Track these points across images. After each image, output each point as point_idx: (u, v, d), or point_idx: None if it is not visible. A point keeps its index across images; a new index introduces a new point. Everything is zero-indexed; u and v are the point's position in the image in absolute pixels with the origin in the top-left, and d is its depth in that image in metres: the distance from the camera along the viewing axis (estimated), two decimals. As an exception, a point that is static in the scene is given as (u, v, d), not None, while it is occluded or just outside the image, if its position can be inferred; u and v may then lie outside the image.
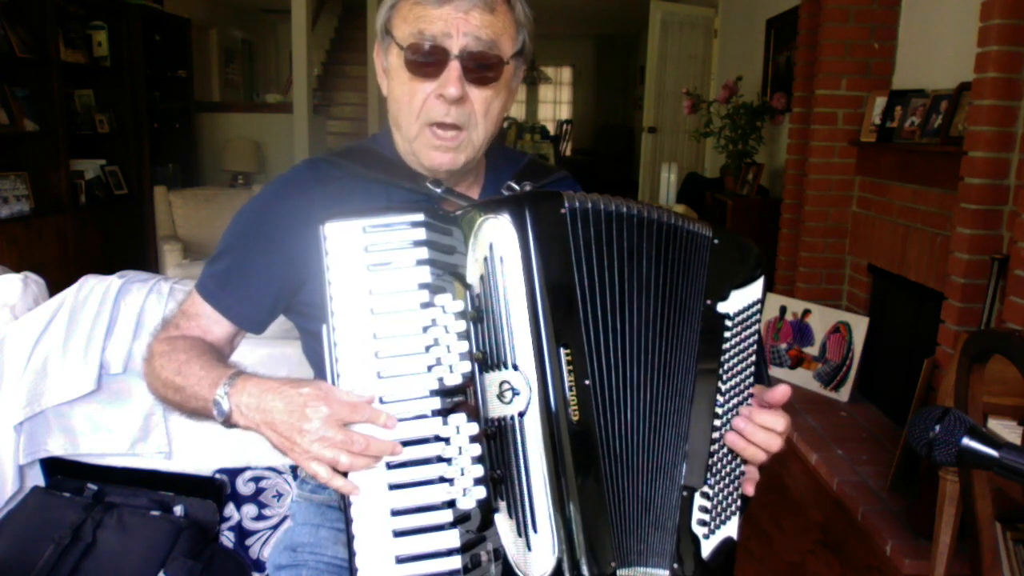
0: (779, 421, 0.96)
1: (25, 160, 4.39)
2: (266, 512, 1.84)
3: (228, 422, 0.94)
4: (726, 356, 0.96)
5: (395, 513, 0.86)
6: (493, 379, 0.87)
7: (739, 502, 0.97)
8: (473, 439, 0.87)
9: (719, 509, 0.96)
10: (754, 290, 0.98)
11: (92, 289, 1.87)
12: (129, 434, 1.85)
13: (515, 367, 0.86)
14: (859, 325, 3.55)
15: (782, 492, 2.94)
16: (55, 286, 1.95)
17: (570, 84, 14.24)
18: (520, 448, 0.86)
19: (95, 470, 1.87)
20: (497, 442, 0.87)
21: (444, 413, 0.87)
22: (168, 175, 5.77)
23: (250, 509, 1.84)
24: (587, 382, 0.87)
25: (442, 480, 0.87)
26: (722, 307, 0.97)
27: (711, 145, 5.69)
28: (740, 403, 0.97)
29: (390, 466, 0.87)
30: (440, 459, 0.87)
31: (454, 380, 0.87)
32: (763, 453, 0.95)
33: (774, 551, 2.51)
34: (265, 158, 6.32)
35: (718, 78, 6.54)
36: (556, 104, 14.40)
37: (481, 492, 0.87)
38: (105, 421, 1.85)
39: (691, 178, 6.11)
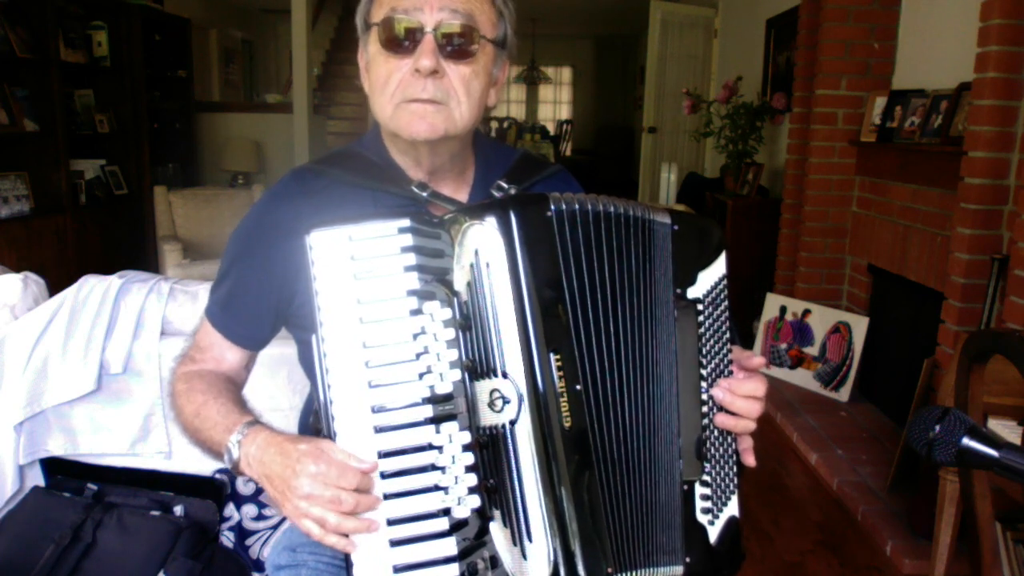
0: (759, 387, 0.96)
1: (25, 160, 4.39)
2: (266, 512, 1.84)
3: (236, 469, 0.95)
4: (703, 340, 0.96)
5: (391, 523, 0.86)
6: (484, 387, 0.86)
7: (736, 480, 0.98)
8: (466, 448, 0.87)
9: (719, 493, 0.96)
10: (719, 267, 0.98)
11: (92, 289, 1.87)
12: (129, 434, 1.85)
13: (504, 375, 0.85)
14: (859, 325, 3.55)
15: (782, 492, 2.94)
16: (55, 286, 1.95)
17: (570, 84, 14.23)
18: (512, 457, 0.85)
19: (95, 470, 1.87)
20: (489, 451, 0.87)
21: (436, 421, 0.87)
22: (168, 175, 5.77)
23: (250, 509, 1.84)
24: (578, 387, 0.86)
25: (436, 488, 0.87)
26: (692, 292, 0.96)
27: (711, 145, 5.69)
28: None
29: (384, 475, 0.87)
30: (434, 467, 0.87)
31: (445, 388, 0.87)
32: (751, 422, 0.96)
33: (774, 551, 2.51)
34: (265, 158, 6.32)
35: (718, 78, 6.54)
36: (556, 104, 14.39)
37: (476, 501, 0.87)
38: (105, 421, 1.85)
39: (691, 178, 6.11)
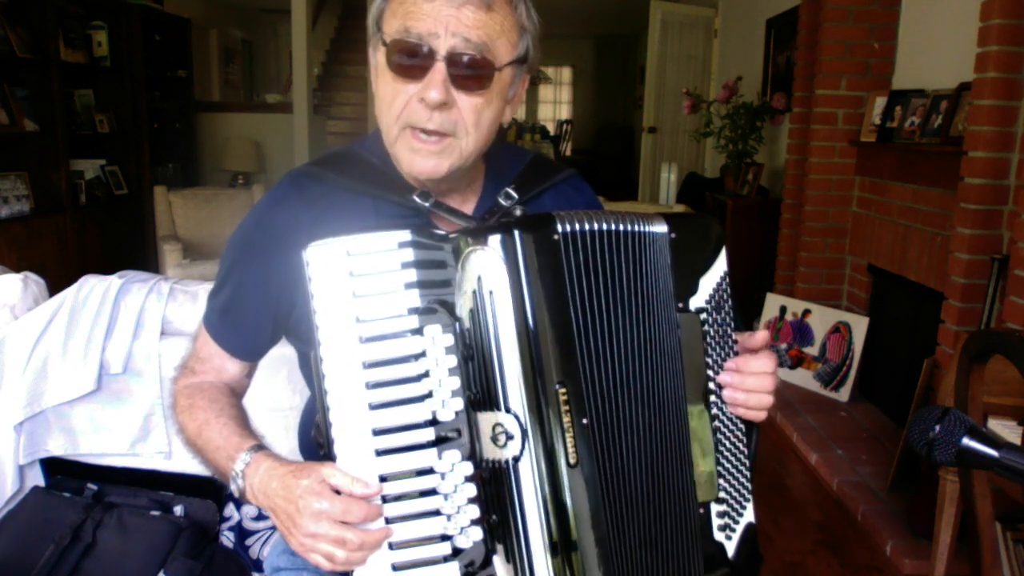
0: (768, 363, 0.94)
1: (25, 160, 4.39)
2: (266, 512, 1.84)
3: (244, 498, 0.94)
4: (710, 350, 0.92)
5: (393, 546, 0.85)
6: (486, 419, 0.83)
7: (750, 485, 0.95)
8: (468, 479, 0.84)
9: (734, 505, 0.94)
10: (719, 266, 0.94)
11: (92, 289, 1.87)
12: (129, 434, 1.85)
13: (507, 410, 0.82)
14: (859, 325, 3.55)
15: (782, 492, 2.94)
16: (55, 286, 1.95)
17: (570, 84, 14.23)
18: (515, 494, 0.82)
19: (95, 470, 1.87)
20: (492, 487, 0.84)
21: (438, 445, 0.84)
22: (168, 175, 5.78)
23: (250, 509, 1.84)
24: (585, 421, 0.83)
25: (439, 513, 0.85)
26: (695, 302, 0.92)
27: (711, 145, 5.69)
28: None
29: (386, 499, 0.85)
30: (436, 492, 0.85)
31: (446, 416, 0.84)
32: (766, 396, 0.93)
33: (774, 551, 2.51)
34: (265, 158, 6.33)
35: (718, 78, 6.54)
36: (556, 104, 14.39)
37: (478, 533, 0.85)
38: (105, 421, 1.85)
39: (691, 178, 6.11)
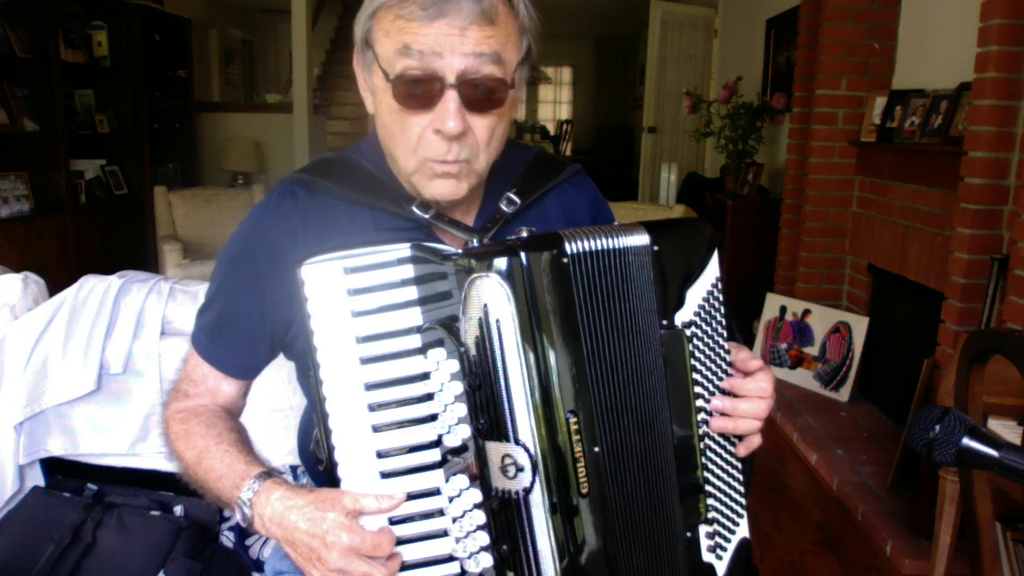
0: (765, 386, 0.90)
1: (25, 160, 4.39)
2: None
3: (251, 528, 0.90)
4: (700, 364, 0.89)
5: (403, 568, 0.84)
6: (495, 449, 0.81)
7: (743, 501, 0.93)
8: (477, 506, 0.83)
9: (725, 524, 0.92)
10: (709, 274, 0.89)
11: (92, 289, 1.87)
12: (129, 434, 1.85)
13: (517, 441, 0.80)
14: (859, 325, 3.55)
15: (782, 492, 2.94)
16: (55, 286, 1.95)
17: (570, 84, 14.24)
18: (527, 526, 0.82)
19: (95, 470, 1.87)
20: (502, 517, 0.82)
21: (444, 467, 0.83)
22: (168, 175, 5.78)
23: (250, 509, 1.83)
24: (596, 449, 0.82)
25: (446, 534, 0.84)
26: (683, 316, 0.87)
27: (711, 145, 5.69)
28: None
29: (392, 521, 0.84)
30: (443, 513, 0.84)
31: (453, 442, 0.82)
32: (755, 422, 0.90)
33: (774, 551, 2.51)
34: (265, 158, 6.33)
35: (718, 78, 6.54)
36: (556, 104, 14.39)
37: (488, 560, 0.83)
38: (105, 421, 1.85)
39: (691, 178, 6.11)
